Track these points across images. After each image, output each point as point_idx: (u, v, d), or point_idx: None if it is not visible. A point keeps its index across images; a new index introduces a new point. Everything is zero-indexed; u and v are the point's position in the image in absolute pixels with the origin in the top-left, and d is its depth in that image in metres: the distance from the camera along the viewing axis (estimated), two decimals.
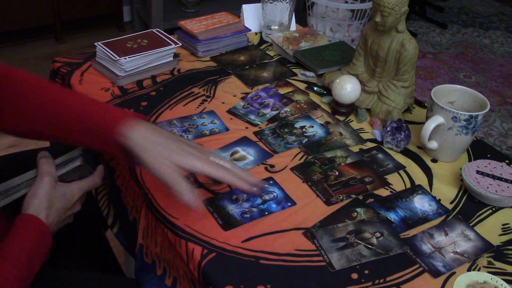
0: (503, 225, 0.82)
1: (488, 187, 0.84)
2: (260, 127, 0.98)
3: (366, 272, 0.71)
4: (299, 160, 0.91)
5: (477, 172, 0.87)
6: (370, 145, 0.97)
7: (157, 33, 1.16)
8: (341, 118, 1.03)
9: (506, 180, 0.86)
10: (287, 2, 1.26)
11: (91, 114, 0.73)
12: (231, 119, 1.00)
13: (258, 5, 1.32)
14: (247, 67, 1.18)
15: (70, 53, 2.34)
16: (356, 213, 0.80)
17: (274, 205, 0.81)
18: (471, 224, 0.81)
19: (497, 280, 0.71)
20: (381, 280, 0.70)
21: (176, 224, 0.75)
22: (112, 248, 1.09)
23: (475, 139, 1.00)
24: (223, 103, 1.04)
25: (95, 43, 1.08)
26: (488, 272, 0.73)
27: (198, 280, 0.70)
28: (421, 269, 0.72)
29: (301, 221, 0.78)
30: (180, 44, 1.16)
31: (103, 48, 1.06)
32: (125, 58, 1.04)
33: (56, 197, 0.77)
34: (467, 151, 0.98)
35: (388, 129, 0.95)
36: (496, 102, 2.71)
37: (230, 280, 0.68)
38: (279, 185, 0.84)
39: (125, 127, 0.70)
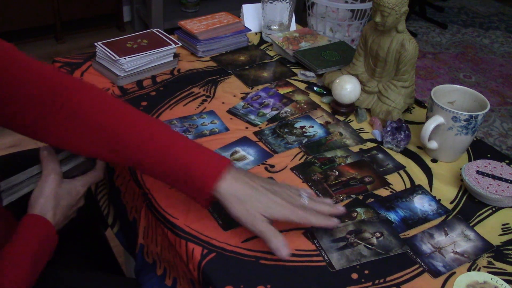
0: (503, 225, 0.82)
1: (488, 187, 0.84)
2: (260, 127, 0.98)
3: (366, 272, 0.71)
4: (299, 160, 0.91)
5: (477, 172, 0.87)
6: (370, 145, 0.97)
7: (157, 33, 1.16)
8: (341, 118, 1.03)
9: (506, 180, 0.86)
10: (287, 2, 1.26)
11: (193, 169, 0.70)
12: (231, 119, 1.00)
13: (258, 5, 1.32)
14: (247, 67, 1.18)
15: (70, 53, 2.34)
16: (356, 213, 0.80)
17: None
18: (471, 224, 0.81)
19: (497, 280, 0.71)
20: (381, 280, 0.70)
21: (176, 224, 0.75)
22: (112, 248, 1.09)
23: (475, 139, 1.00)
24: (223, 103, 1.04)
25: (95, 43, 1.08)
26: (488, 272, 0.73)
27: (198, 280, 0.70)
28: (421, 269, 0.72)
29: None
30: (180, 44, 1.16)
31: (103, 48, 1.06)
32: (125, 58, 1.04)
33: (62, 194, 0.77)
34: (467, 151, 0.98)
35: (388, 129, 0.95)
36: (496, 102, 2.71)
37: (230, 280, 0.68)
38: None
39: (220, 182, 0.69)
